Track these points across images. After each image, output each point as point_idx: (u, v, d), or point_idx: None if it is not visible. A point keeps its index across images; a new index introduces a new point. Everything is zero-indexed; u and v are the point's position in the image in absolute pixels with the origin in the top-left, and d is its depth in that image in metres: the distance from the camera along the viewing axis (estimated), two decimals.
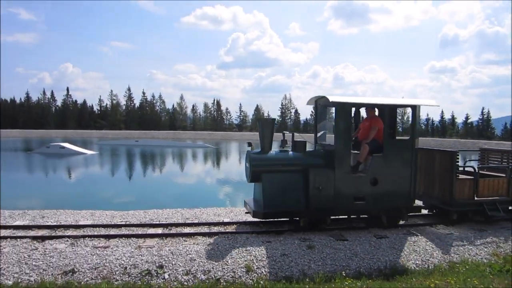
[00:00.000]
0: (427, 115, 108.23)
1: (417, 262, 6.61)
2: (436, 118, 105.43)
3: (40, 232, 7.72)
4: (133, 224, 8.33)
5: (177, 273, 5.98)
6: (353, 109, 8.91)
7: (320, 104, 8.82)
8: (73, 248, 6.79)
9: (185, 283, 5.77)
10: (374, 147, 7.93)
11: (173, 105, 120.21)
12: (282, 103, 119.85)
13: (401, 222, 8.36)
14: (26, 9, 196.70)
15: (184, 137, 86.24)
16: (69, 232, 7.75)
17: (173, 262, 6.23)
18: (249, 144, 8.36)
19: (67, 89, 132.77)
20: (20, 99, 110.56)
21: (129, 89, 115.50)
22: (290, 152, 8.12)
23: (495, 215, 8.28)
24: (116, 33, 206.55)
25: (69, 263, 6.24)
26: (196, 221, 8.60)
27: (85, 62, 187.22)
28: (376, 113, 8.55)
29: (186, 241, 7.15)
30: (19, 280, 5.78)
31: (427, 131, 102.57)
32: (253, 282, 5.75)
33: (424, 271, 6.13)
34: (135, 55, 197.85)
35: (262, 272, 6.03)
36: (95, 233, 7.62)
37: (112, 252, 6.62)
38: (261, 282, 5.76)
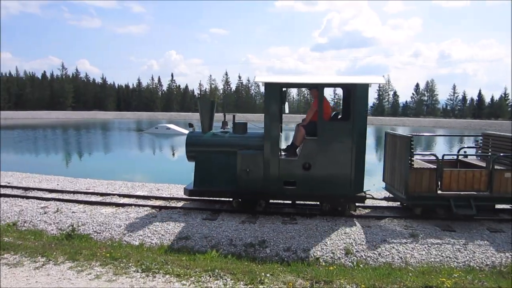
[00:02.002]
0: None
1: None
2: None
3: (157, 202, 8.70)
4: None
5: (278, 249, 6.31)
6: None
7: None
8: (185, 218, 7.55)
9: (286, 259, 6.06)
10: (313, 130, 7.37)
11: None
12: (379, 84, 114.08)
13: (355, 212, 7.71)
14: (137, 2, 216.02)
15: None
16: (181, 204, 8.59)
17: (274, 239, 6.57)
18: (190, 125, 8.50)
19: (172, 75, 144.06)
20: (133, 84, 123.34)
21: (226, 74, 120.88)
22: (228, 134, 8.04)
23: (463, 213, 6.98)
24: (214, 20, 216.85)
25: (183, 231, 6.99)
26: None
27: (187, 49, 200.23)
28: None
29: (286, 220, 7.43)
30: (143, 242, 6.67)
31: None
32: (352, 265, 5.81)
33: None
34: (232, 41, 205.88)
35: (362, 255, 6.04)
36: (203, 207, 8.33)
37: (219, 224, 7.22)
38: (361, 265, 5.79)
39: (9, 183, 10.80)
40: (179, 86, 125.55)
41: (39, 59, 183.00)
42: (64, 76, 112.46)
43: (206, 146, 8.02)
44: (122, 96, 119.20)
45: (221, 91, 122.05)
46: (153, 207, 8.27)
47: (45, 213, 7.98)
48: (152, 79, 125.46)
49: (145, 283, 4.43)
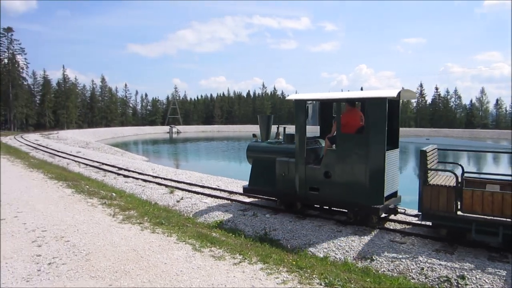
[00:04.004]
0: None
1: None
2: None
3: (342, 217, 8.65)
4: (427, 225, 8.02)
5: None
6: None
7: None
8: (371, 237, 7.27)
9: None
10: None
11: (471, 100, 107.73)
12: None
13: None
14: (330, 21, 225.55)
15: (483, 136, 75.60)
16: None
17: (477, 277, 5.61)
18: (254, 135, 10.13)
19: (361, 89, 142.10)
20: None
21: (421, 86, 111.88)
22: (278, 143, 9.31)
23: (482, 240, 6.40)
24: (408, 30, 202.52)
25: (368, 250, 6.74)
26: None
27: (377, 62, 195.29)
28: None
29: (494, 256, 6.25)
30: (327, 255, 6.74)
31: None
32: None
33: None
34: (428, 50, 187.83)
35: None
36: (391, 227, 7.83)
37: (408, 249, 6.66)
38: None
39: (218, 186, 12.72)
40: None
41: (246, 81, 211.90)
42: (264, 94, 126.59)
43: (260, 152, 9.55)
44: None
45: (414, 104, 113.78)
46: (338, 221, 8.28)
47: (244, 215, 9.03)
48: None
49: None
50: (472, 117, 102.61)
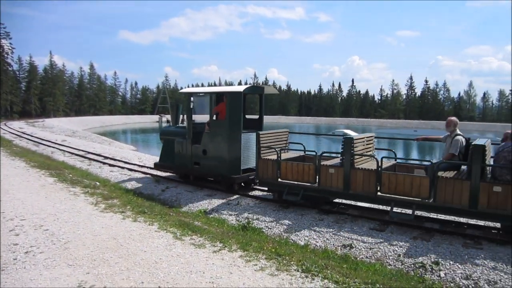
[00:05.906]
0: None
1: None
2: None
3: (326, 207, 8.74)
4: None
5: (455, 275, 5.49)
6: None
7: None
8: (351, 226, 7.38)
9: None
10: None
11: (459, 93, 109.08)
12: None
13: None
14: (324, 12, 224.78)
15: (469, 129, 76.60)
16: (349, 211, 8.41)
17: (451, 262, 5.76)
18: (168, 121, 15.60)
19: (352, 81, 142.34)
20: (314, 91, 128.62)
21: (411, 78, 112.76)
22: (182, 128, 11.31)
23: (289, 199, 8.37)
24: (402, 23, 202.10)
25: (348, 237, 6.85)
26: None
27: (370, 54, 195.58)
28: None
29: (468, 243, 6.41)
30: (308, 243, 6.83)
31: None
32: None
33: None
34: (420, 43, 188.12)
35: None
36: (371, 216, 7.94)
37: (387, 237, 6.78)
38: None
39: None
40: (359, 91, 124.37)
41: (238, 70, 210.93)
42: (255, 84, 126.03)
43: (168, 135, 11.71)
44: (304, 101, 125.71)
45: (404, 97, 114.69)
46: (320, 210, 8.38)
47: (228, 204, 9.08)
48: (333, 85, 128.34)
49: (304, 283, 4.52)
50: (460, 109, 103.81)
